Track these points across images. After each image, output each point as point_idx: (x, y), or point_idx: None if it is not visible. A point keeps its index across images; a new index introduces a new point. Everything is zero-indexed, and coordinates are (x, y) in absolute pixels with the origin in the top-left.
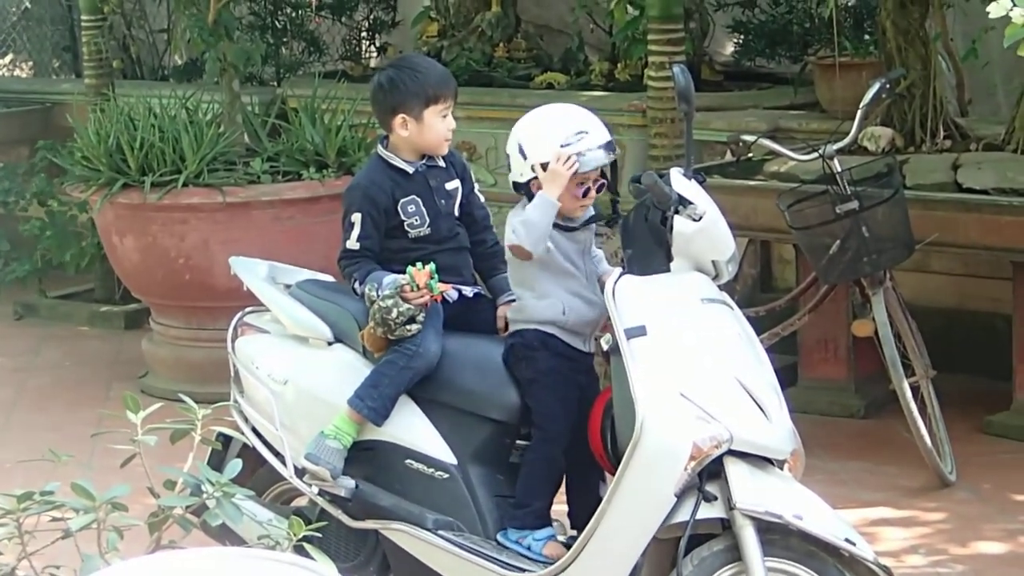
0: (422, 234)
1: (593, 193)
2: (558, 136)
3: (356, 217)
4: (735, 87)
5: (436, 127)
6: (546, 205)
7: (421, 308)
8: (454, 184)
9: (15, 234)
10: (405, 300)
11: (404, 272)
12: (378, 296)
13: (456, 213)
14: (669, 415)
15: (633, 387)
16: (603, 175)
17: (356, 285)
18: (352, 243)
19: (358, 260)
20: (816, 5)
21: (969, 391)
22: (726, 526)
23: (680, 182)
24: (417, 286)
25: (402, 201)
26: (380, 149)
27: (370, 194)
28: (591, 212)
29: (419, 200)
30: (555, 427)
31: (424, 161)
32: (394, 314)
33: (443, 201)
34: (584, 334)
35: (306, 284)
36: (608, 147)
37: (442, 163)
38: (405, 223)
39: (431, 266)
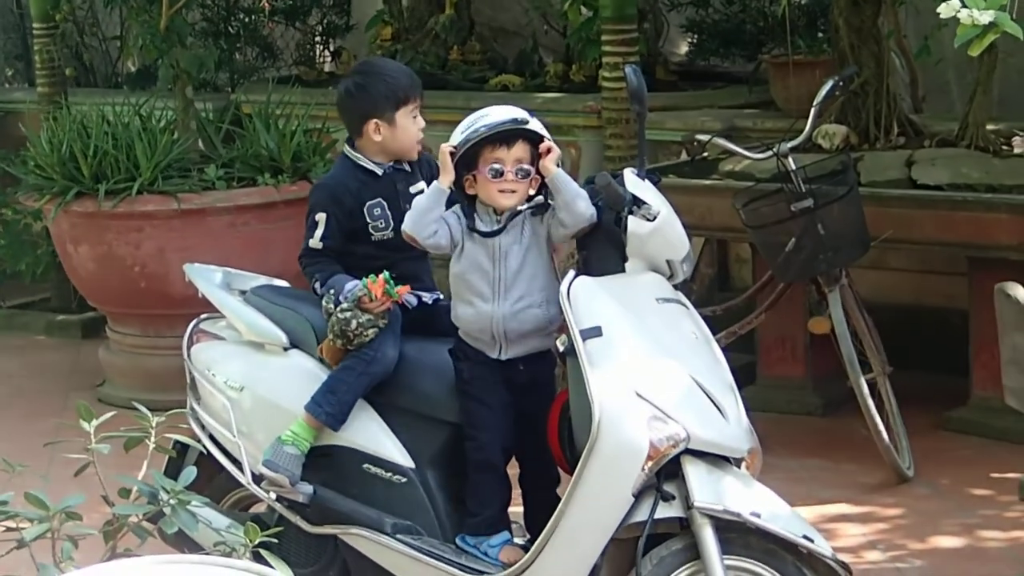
0: (386, 238)
1: (511, 176)
2: (461, 128)
3: (320, 216)
4: (689, 87)
5: (409, 128)
6: (432, 190)
7: (382, 315)
8: (419, 187)
9: None
10: (364, 311)
11: (364, 277)
12: (335, 308)
13: None
14: (626, 416)
15: (589, 388)
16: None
17: (317, 286)
18: (315, 242)
19: (319, 260)
20: (769, 4)
21: (926, 387)
22: (684, 525)
23: (634, 182)
24: (374, 296)
25: (368, 203)
26: (348, 150)
27: (336, 194)
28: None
29: (385, 203)
30: (482, 435)
31: (392, 164)
32: (353, 325)
33: (408, 205)
34: (485, 341)
35: (261, 290)
36: (495, 125)
37: (407, 166)
38: (370, 226)
39: (384, 275)
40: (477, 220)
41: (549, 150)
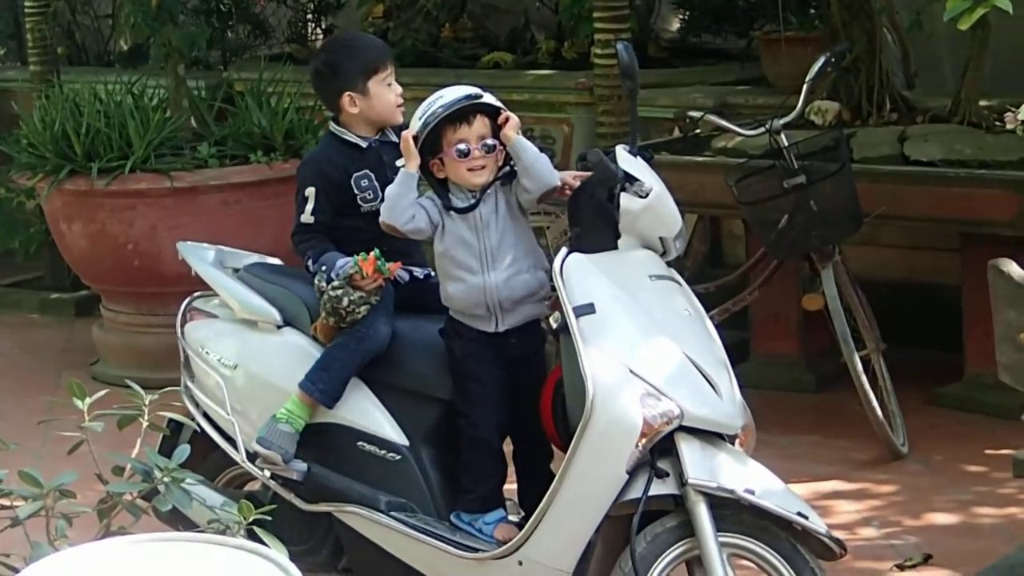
0: (374, 209)
1: (478, 153)
2: (419, 114)
3: (310, 191)
4: (681, 63)
5: (384, 96)
6: (401, 177)
7: (375, 292)
8: None
9: None
10: (356, 288)
11: (355, 253)
12: (327, 286)
13: None
14: (619, 393)
15: (583, 365)
16: (498, 138)
17: (309, 263)
18: (306, 217)
19: (311, 236)
20: None
21: (919, 363)
22: (678, 502)
23: (626, 159)
24: (365, 274)
25: (355, 175)
26: (333, 125)
27: (323, 168)
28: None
29: (372, 175)
30: (477, 412)
31: (378, 136)
32: (345, 302)
33: (395, 176)
34: (480, 315)
35: (254, 268)
36: (451, 104)
37: (394, 138)
38: (358, 197)
39: (376, 252)
40: (452, 199)
41: (508, 119)
